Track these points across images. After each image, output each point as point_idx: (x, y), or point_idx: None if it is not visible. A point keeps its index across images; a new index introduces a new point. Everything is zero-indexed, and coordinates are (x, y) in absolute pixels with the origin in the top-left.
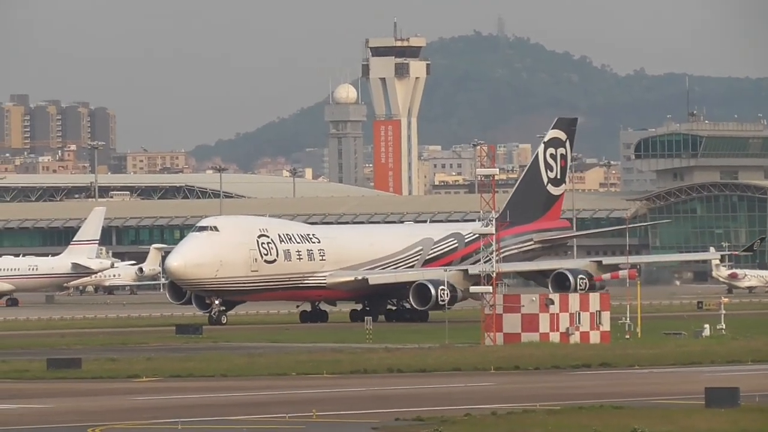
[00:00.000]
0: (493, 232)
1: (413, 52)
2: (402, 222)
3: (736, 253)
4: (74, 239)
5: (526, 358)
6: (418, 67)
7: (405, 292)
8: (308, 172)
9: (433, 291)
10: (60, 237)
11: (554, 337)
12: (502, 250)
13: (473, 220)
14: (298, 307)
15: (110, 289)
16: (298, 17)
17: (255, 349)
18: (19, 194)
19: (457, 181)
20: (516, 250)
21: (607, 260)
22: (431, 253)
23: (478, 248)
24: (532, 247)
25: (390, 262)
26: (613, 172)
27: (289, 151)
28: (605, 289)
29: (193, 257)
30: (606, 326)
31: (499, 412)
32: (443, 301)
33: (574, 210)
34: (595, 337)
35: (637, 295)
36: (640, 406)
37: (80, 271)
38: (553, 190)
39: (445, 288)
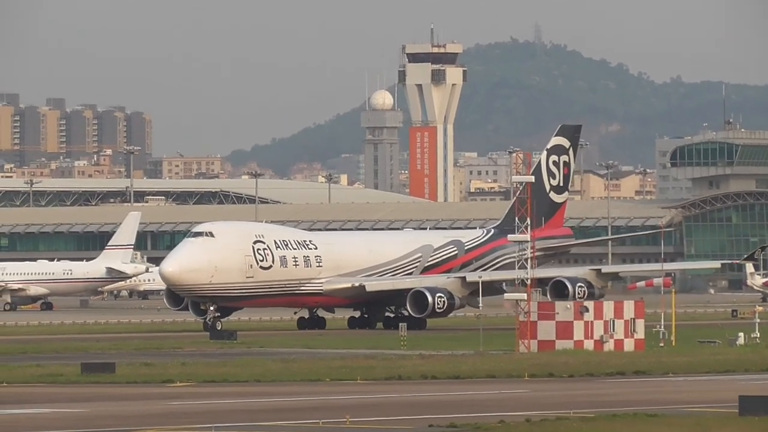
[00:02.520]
0: (528, 239)
1: (450, 59)
2: (403, 228)
3: (737, 261)
4: (109, 244)
5: (560, 366)
6: (454, 74)
7: (403, 300)
8: (344, 178)
9: (430, 298)
10: (95, 241)
11: (588, 344)
12: (502, 258)
13: (474, 228)
14: (295, 313)
15: (145, 294)
16: (335, 23)
17: (289, 354)
18: (55, 198)
19: (493, 188)
20: (517, 258)
21: (606, 269)
22: (431, 260)
23: (477, 255)
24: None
25: (389, 269)
26: (649, 179)
27: (324, 156)
28: (604, 297)
29: (188, 263)
30: (640, 334)
31: (533, 419)
32: (440, 308)
33: (609, 218)
34: (629, 345)
35: (672, 303)
36: (673, 414)
37: (115, 275)
38: (556, 198)
39: (443, 296)
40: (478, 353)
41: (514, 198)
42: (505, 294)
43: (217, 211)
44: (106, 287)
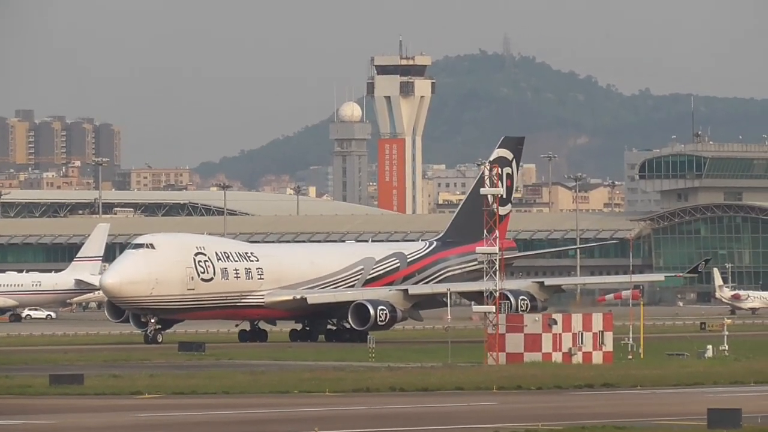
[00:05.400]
0: (497, 251)
1: (418, 71)
2: (344, 240)
3: (680, 275)
4: (78, 255)
5: (529, 378)
6: (423, 86)
7: (345, 312)
8: (312, 190)
9: (372, 311)
10: (64, 253)
11: (557, 357)
12: (445, 271)
13: (415, 240)
14: (237, 326)
15: None
16: (303, 35)
17: (257, 366)
18: (23, 210)
19: (461, 200)
20: (460, 270)
21: (549, 281)
22: (372, 273)
23: (420, 268)
24: (477, 267)
25: (330, 282)
26: (618, 192)
27: (293, 168)
28: (547, 309)
29: (128, 275)
30: (609, 347)
31: None
32: (382, 321)
33: (578, 230)
34: (597, 358)
35: (641, 316)
36: (642, 426)
37: (83, 287)
38: (499, 210)
39: (385, 308)
40: (447, 365)
41: (456, 211)
42: (474, 306)
43: (185, 222)
44: (74, 299)
